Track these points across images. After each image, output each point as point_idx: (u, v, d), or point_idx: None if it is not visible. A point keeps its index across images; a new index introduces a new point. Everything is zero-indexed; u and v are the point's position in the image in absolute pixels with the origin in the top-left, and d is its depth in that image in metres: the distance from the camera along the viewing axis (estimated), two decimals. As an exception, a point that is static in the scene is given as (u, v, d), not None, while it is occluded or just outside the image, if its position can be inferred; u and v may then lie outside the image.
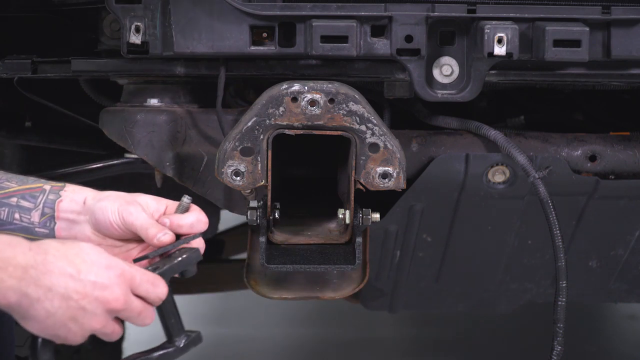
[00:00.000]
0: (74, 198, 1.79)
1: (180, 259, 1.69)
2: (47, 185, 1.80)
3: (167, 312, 1.69)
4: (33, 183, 1.80)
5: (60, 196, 1.79)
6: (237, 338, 4.26)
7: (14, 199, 1.78)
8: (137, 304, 1.62)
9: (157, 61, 2.09)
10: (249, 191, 2.02)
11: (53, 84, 2.37)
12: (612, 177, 2.20)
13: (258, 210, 1.99)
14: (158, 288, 1.64)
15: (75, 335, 1.59)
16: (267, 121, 1.92)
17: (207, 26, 2.00)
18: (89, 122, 2.42)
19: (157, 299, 1.65)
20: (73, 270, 1.55)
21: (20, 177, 1.82)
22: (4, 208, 1.77)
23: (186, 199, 1.75)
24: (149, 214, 1.74)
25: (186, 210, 1.75)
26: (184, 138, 2.15)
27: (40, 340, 1.59)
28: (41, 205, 1.78)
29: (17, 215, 1.77)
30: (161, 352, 1.67)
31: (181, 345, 1.68)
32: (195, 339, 1.69)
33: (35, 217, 1.77)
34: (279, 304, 4.33)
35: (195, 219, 1.75)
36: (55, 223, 1.78)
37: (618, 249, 2.36)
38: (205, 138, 2.16)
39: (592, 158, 2.19)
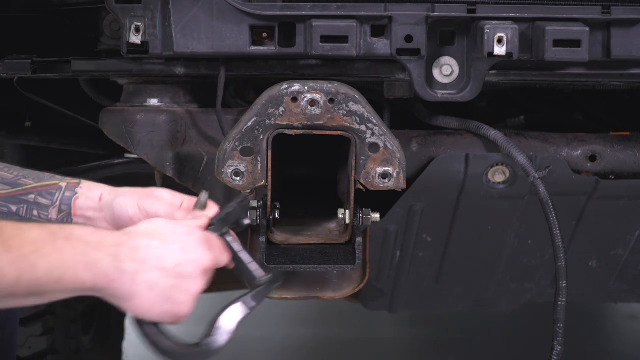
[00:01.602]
0: (90, 195, 1.81)
1: (230, 210, 1.72)
2: (63, 182, 1.82)
3: (245, 257, 1.72)
4: (49, 180, 1.83)
5: (76, 193, 1.81)
6: (237, 338, 4.25)
7: (32, 196, 1.80)
8: (223, 257, 1.65)
9: (157, 61, 2.09)
10: (249, 191, 2.02)
11: (53, 84, 2.37)
12: (612, 177, 2.20)
13: (258, 210, 1.99)
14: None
15: (183, 305, 1.58)
16: (267, 121, 1.92)
17: (207, 26, 2.00)
18: (89, 122, 2.42)
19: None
20: (157, 242, 1.56)
21: (35, 173, 1.84)
22: (22, 205, 1.79)
23: (204, 195, 1.75)
24: (168, 204, 1.76)
25: (204, 206, 1.75)
26: (184, 138, 2.15)
27: (152, 327, 1.59)
28: (58, 202, 1.80)
29: (35, 212, 1.80)
30: (254, 291, 1.67)
31: (267, 281, 1.69)
32: (278, 275, 1.70)
33: (53, 213, 1.79)
34: (279, 304, 4.33)
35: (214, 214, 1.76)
36: (72, 219, 1.80)
37: (618, 249, 2.36)
38: (205, 138, 2.16)
39: (592, 158, 2.19)
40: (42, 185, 1.81)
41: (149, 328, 1.59)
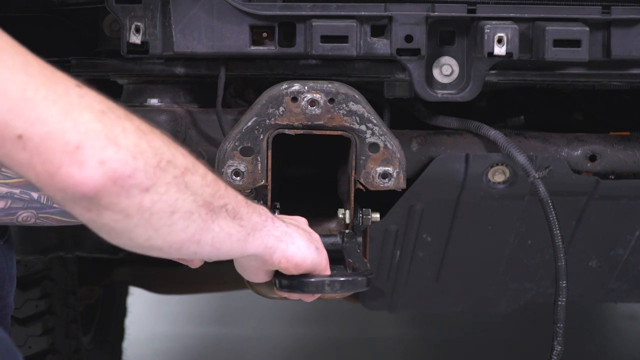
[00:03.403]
0: None
1: None
2: None
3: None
4: None
5: None
6: (237, 338, 4.26)
7: None
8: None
9: (157, 61, 2.09)
10: (249, 191, 2.02)
11: (53, 84, 2.36)
12: (612, 177, 2.20)
13: (258, 210, 1.98)
14: None
15: (321, 248, 1.65)
16: (267, 121, 1.92)
17: (207, 26, 2.00)
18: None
19: None
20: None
21: None
22: (44, 193, 1.79)
23: None
24: None
25: None
26: (184, 138, 2.15)
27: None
28: None
29: None
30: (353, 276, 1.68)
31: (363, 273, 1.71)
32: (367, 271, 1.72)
33: None
34: (279, 304, 4.33)
35: None
36: None
37: (618, 249, 2.36)
38: (205, 138, 2.16)
39: (592, 158, 2.19)
40: None
41: (300, 277, 1.61)
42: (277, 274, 1.64)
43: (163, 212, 1.33)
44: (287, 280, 1.61)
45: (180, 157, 1.36)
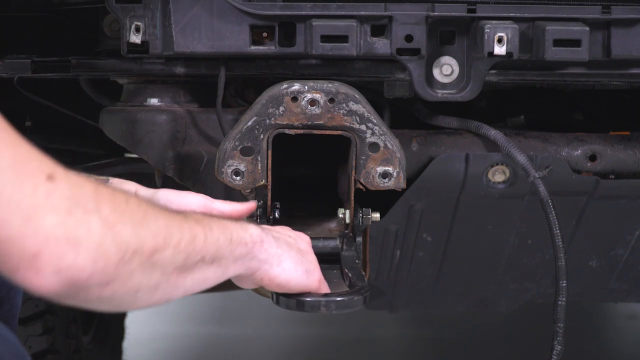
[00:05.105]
0: (123, 189, 1.81)
1: None
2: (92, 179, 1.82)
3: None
4: None
5: None
6: (237, 338, 4.26)
7: None
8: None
9: (157, 61, 2.09)
10: (249, 191, 2.02)
11: (53, 84, 2.37)
12: (612, 177, 2.20)
13: (258, 210, 1.99)
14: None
15: (314, 268, 1.66)
16: (267, 121, 1.92)
17: (207, 26, 2.00)
18: (89, 122, 2.42)
19: None
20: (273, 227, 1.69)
21: None
22: None
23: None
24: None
25: None
26: (184, 138, 2.15)
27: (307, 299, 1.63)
28: None
29: None
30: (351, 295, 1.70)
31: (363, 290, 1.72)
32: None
33: None
34: (279, 304, 4.32)
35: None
36: None
37: (618, 249, 2.36)
38: (205, 138, 2.16)
39: (592, 158, 2.19)
40: None
41: (297, 296, 1.63)
42: None
43: (125, 294, 1.33)
44: (284, 297, 1.63)
45: (149, 238, 1.34)
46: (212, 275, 1.48)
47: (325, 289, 1.68)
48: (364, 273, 1.84)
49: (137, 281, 1.33)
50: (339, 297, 1.65)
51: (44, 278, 1.24)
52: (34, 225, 1.23)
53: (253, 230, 1.55)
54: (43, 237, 1.23)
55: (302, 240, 1.71)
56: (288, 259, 1.60)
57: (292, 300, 1.62)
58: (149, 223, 1.34)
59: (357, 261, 1.88)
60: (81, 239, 1.25)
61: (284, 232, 1.70)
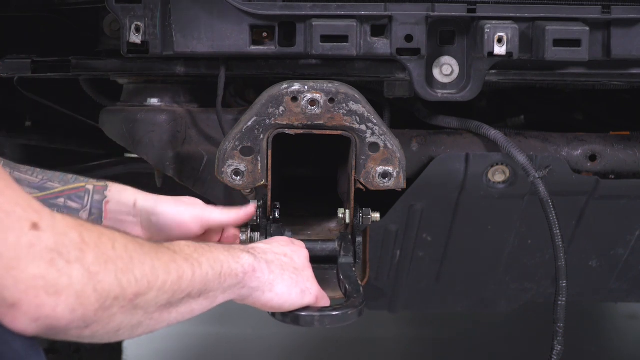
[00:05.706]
0: (121, 200, 1.81)
1: None
2: (90, 185, 1.83)
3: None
4: (75, 182, 1.83)
5: (105, 197, 1.82)
6: (237, 338, 4.25)
7: (61, 200, 1.80)
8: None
9: (157, 61, 2.09)
10: (249, 191, 2.02)
11: (53, 84, 2.37)
12: (612, 177, 2.20)
13: (258, 210, 1.99)
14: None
15: (311, 285, 1.66)
16: (267, 121, 1.92)
17: (207, 26, 2.00)
18: (89, 122, 2.42)
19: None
20: (269, 245, 1.69)
21: (57, 175, 1.84)
22: (53, 209, 1.78)
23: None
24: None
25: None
26: (184, 138, 2.15)
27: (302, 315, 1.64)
28: (88, 206, 1.81)
29: None
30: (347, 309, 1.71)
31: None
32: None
33: (84, 216, 1.80)
34: (279, 304, 4.32)
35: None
36: (102, 222, 1.80)
37: (618, 249, 2.36)
38: (205, 138, 2.16)
39: (592, 158, 2.19)
40: (70, 188, 1.82)
41: (293, 311, 1.64)
42: None
43: (106, 334, 1.35)
44: (279, 313, 1.65)
45: (132, 283, 1.34)
46: (199, 307, 1.50)
47: (324, 302, 1.70)
48: (360, 282, 1.85)
49: (117, 322, 1.34)
50: (333, 311, 1.66)
51: (21, 324, 1.26)
52: (14, 276, 1.24)
53: (245, 260, 1.56)
54: (23, 289, 1.25)
55: (298, 256, 1.71)
56: (281, 283, 1.61)
57: (287, 315, 1.64)
58: (134, 268, 1.35)
59: (354, 269, 1.89)
60: (61, 289, 1.27)
61: (280, 249, 1.69)
